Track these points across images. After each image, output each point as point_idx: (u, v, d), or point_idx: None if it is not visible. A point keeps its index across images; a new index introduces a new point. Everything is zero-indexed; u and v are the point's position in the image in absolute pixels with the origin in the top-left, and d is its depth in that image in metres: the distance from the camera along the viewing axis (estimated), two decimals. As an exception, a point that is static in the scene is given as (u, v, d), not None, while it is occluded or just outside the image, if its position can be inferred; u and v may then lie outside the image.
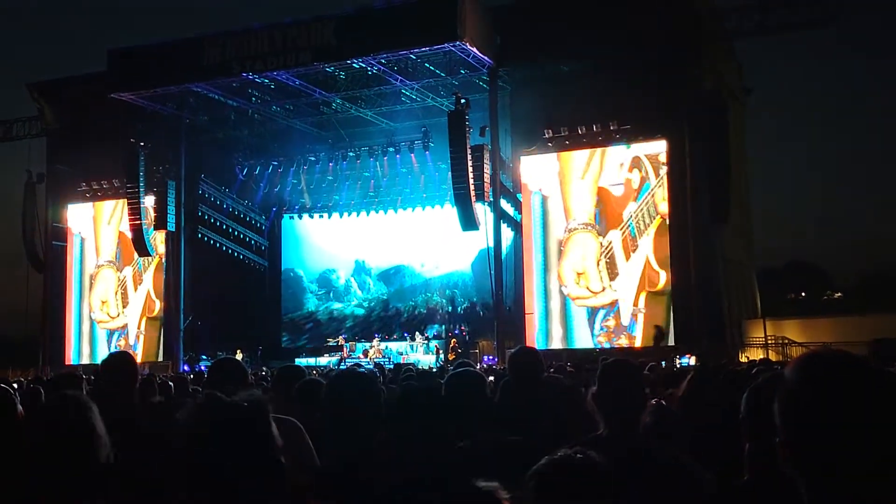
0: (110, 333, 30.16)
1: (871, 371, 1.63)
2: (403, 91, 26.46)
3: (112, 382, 4.68)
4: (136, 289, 29.96)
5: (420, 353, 26.42)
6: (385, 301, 32.66)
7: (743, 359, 21.37)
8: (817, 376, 1.63)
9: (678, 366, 18.09)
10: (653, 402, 4.18)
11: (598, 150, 24.63)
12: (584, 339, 24.31)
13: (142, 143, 27.43)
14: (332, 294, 33.49)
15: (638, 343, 23.41)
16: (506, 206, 25.54)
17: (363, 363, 24.07)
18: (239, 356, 23.07)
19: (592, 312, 24.31)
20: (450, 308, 30.99)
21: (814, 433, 1.58)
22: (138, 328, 29.79)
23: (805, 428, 1.60)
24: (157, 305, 29.55)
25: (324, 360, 26.49)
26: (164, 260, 29.33)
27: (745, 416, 2.92)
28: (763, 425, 2.24)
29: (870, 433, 1.54)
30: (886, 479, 1.54)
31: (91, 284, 30.69)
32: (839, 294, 49.38)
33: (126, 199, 28.20)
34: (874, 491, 1.54)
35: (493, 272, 24.58)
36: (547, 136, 24.98)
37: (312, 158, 30.50)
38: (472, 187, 23.46)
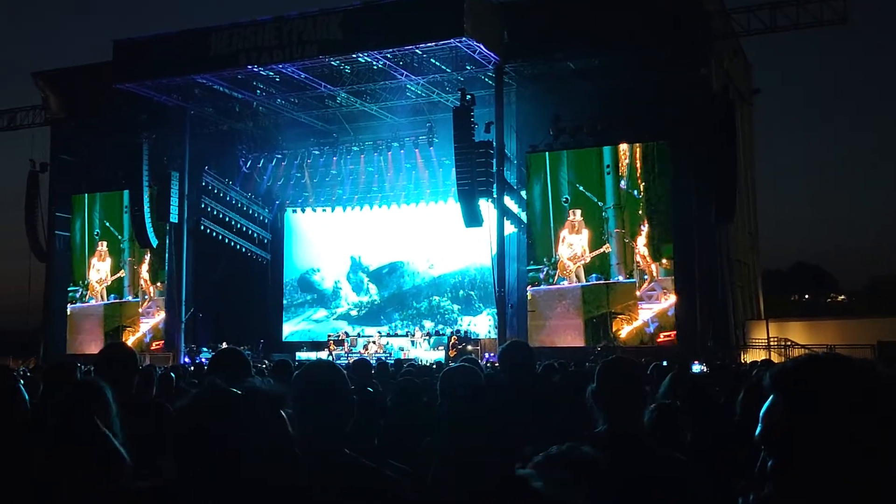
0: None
1: (867, 373, 1.48)
2: (409, 86, 26.35)
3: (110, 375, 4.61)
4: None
5: (421, 350, 26.29)
6: (380, 308, 31.12)
7: (745, 360, 21.28)
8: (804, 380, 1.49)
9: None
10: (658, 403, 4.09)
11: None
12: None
13: (146, 134, 27.41)
14: (316, 299, 32.39)
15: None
16: (510, 202, 25.46)
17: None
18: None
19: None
20: (460, 313, 29.86)
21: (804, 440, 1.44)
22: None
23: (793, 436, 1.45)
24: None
25: (324, 355, 26.36)
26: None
27: (742, 417, 2.82)
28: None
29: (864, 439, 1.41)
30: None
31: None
32: (843, 297, 49.28)
33: (129, 190, 28.21)
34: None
35: (496, 269, 24.52)
36: (552, 133, 24.91)
37: (316, 152, 30.43)
38: (476, 184, 23.41)
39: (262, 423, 1.84)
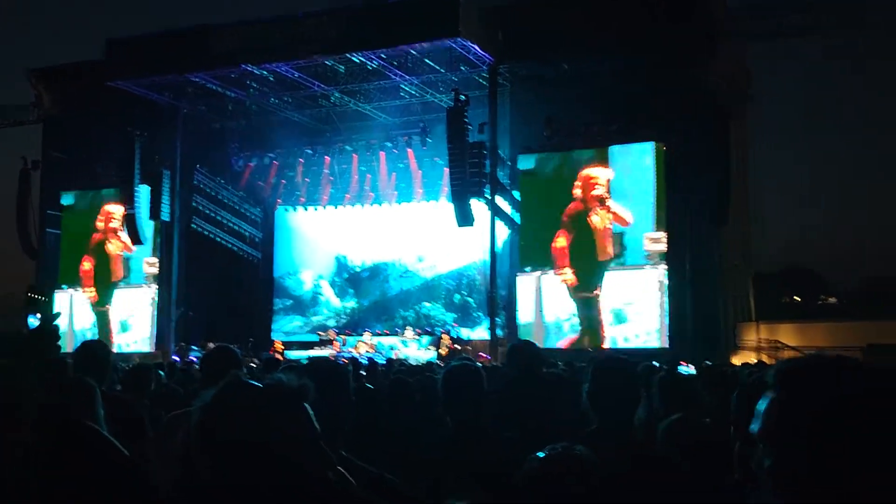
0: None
1: (865, 373, 1.50)
2: (402, 86, 26.35)
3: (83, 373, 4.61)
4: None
5: (412, 349, 26.19)
6: (361, 317, 29.95)
7: (735, 362, 21.32)
8: (802, 379, 1.50)
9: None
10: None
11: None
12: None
13: (138, 132, 27.30)
14: (293, 306, 31.57)
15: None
16: (502, 203, 25.45)
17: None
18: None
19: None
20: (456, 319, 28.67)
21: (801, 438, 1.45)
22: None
23: (791, 434, 1.46)
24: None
25: (314, 354, 26.20)
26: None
27: (735, 416, 2.86)
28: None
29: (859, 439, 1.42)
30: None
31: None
32: (834, 299, 49.34)
33: (121, 188, 28.09)
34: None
35: (488, 270, 24.52)
36: (546, 134, 24.89)
37: (309, 151, 30.30)
38: (469, 183, 23.40)
39: (287, 417, 1.81)
